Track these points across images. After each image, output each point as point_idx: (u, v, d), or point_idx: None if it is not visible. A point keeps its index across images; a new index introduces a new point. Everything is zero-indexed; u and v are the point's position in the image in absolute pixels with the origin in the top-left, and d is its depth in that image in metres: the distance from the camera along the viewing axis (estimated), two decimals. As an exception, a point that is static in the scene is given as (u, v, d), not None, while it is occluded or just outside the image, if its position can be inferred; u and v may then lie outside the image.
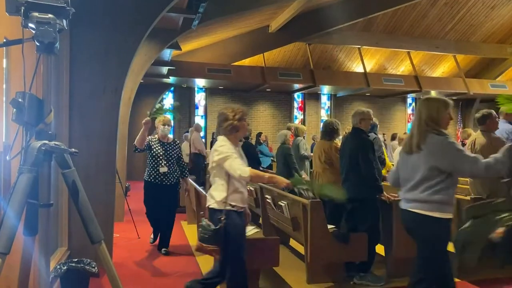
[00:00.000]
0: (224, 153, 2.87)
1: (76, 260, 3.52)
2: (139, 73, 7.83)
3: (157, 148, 4.84)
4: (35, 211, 1.53)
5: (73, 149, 1.55)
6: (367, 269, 3.96)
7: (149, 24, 4.60)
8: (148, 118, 4.73)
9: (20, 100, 1.49)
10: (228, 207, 2.87)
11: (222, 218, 2.82)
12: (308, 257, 3.83)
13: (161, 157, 4.83)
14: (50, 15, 1.49)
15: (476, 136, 4.64)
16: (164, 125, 4.93)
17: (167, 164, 4.83)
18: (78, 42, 4.23)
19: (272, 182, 2.98)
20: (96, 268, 3.51)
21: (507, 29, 14.44)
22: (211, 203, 2.93)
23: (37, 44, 1.51)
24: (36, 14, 1.47)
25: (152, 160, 4.86)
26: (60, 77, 4.13)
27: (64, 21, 1.57)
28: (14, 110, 1.51)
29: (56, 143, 1.54)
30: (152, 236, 5.45)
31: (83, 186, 1.61)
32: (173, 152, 4.92)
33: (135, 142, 4.73)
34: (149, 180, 4.86)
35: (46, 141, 1.51)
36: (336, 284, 3.93)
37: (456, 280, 4.06)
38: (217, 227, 2.81)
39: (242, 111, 3.04)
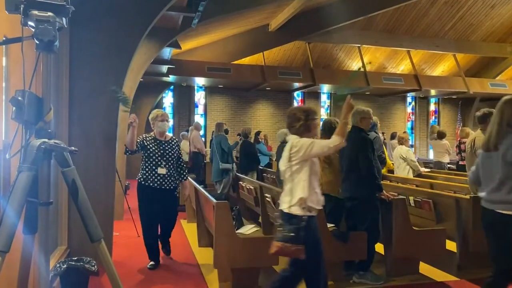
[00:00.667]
0: (306, 143, 2.81)
1: (76, 258, 3.53)
2: (138, 72, 7.82)
3: (153, 148, 4.25)
4: (34, 210, 1.53)
5: (73, 148, 1.55)
6: (366, 268, 3.97)
7: (148, 23, 4.60)
8: (134, 115, 4.13)
9: (19, 98, 1.49)
10: (308, 213, 2.78)
11: (304, 218, 2.75)
12: (308, 255, 3.83)
13: (158, 157, 4.23)
14: (49, 13, 1.48)
15: (476, 135, 4.65)
16: (162, 120, 4.34)
17: (166, 165, 4.24)
18: (77, 40, 4.23)
19: (347, 116, 2.90)
20: (95, 266, 3.51)
21: (507, 28, 14.43)
22: (288, 206, 2.79)
23: (37, 42, 1.50)
24: (35, 12, 1.47)
25: (148, 161, 4.25)
26: (60, 75, 4.12)
27: (64, 19, 1.57)
28: (14, 108, 1.51)
29: (56, 141, 1.54)
30: (151, 262, 4.46)
31: (82, 185, 1.61)
32: (172, 152, 4.33)
33: (125, 143, 4.18)
34: (145, 184, 4.22)
35: (46, 140, 1.51)
36: (336, 282, 3.93)
37: (455, 279, 4.08)
38: (301, 226, 2.72)
39: (313, 111, 3.01)
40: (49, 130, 1.53)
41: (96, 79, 4.29)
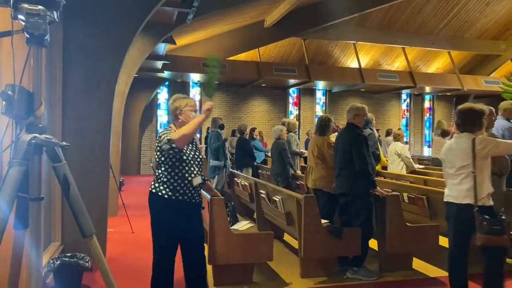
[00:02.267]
0: (491, 141, 3.06)
1: (69, 254, 3.52)
2: (133, 67, 7.79)
3: (185, 149, 3.05)
4: (26, 205, 1.52)
5: (64, 143, 1.53)
6: (360, 263, 3.99)
7: (143, 18, 4.57)
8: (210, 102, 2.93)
9: (9, 92, 1.48)
10: (492, 202, 3.05)
11: (502, 211, 3.07)
12: (302, 251, 3.85)
13: (191, 161, 3.07)
14: (40, 7, 1.47)
15: (470, 131, 4.66)
16: (195, 111, 3.19)
17: (198, 172, 3.12)
18: (71, 35, 4.19)
19: None
20: (89, 262, 3.50)
21: (501, 26, 14.48)
22: (479, 200, 3.00)
23: (27, 36, 1.49)
24: (25, 5, 1.45)
25: (180, 167, 3.00)
26: (53, 70, 4.09)
27: (55, 13, 1.55)
28: (4, 103, 1.49)
29: (47, 136, 1.52)
30: None
31: (76, 180, 1.60)
32: (199, 154, 3.24)
33: (175, 138, 2.84)
34: (174, 197, 2.96)
35: (37, 134, 1.49)
36: (329, 278, 3.95)
37: (447, 274, 4.11)
38: (502, 218, 2.96)
39: (484, 111, 3.21)
40: (40, 125, 1.51)
41: (90, 74, 4.27)
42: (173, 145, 2.88)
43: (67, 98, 4.20)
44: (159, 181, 3.02)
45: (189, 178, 3.04)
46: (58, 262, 3.39)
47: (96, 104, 4.30)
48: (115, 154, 6.97)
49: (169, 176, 3.00)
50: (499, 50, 15.30)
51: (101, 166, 4.38)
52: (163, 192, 2.98)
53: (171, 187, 2.98)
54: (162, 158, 3.00)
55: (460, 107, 3.27)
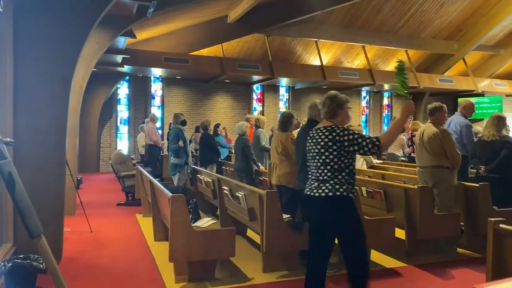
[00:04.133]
0: None
1: (22, 256, 3.37)
2: (91, 61, 7.52)
3: None
4: (-31, 205, 1.43)
5: (8, 139, 1.46)
6: (321, 256, 4.06)
7: (100, 10, 4.43)
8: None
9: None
10: None
11: None
12: (264, 246, 3.88)
13: None
14: (-18, -5, 1.39)
15: (425, 127, 4.86)
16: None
17: None
18: (23, 27, 4.00)
19: None
20: (44, 264, 3.36)
21: (454, 26, 15.16)
22: None
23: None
24: (-34, -7, 1.37)
25: (353, 165, 3.09)
26: (3, 65, 3.88)
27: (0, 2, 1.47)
28: None
29: (-8, 132, 1.45)
30: None
31: (31, 178, 1.53)
32: None
33: (385, 142, 2.96)
34: (353, 197, 3.05)
35: (-20, 130, 1.42)
36: (291, 272, 4.01)
37: (404, 265, 4.28)
38: None
39: None
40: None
41: (42, 68, 4.09)
42: (381, 149, 2.97)
43: (18, 94, 4.00)
44: (347, 183, 2.95)
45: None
46: (10, 264, 3.24)
47: (50, 99, 4.13)
48: (72, 150, 6.73)
49: (353, 175, 3.01)
50: (452, 50, 16.03)
51: (57, 163, 4.21)
52: (347, 191, 2.93)
53: (350, 187, 2.97)
54: (346, 161, 2.94)
55: None
